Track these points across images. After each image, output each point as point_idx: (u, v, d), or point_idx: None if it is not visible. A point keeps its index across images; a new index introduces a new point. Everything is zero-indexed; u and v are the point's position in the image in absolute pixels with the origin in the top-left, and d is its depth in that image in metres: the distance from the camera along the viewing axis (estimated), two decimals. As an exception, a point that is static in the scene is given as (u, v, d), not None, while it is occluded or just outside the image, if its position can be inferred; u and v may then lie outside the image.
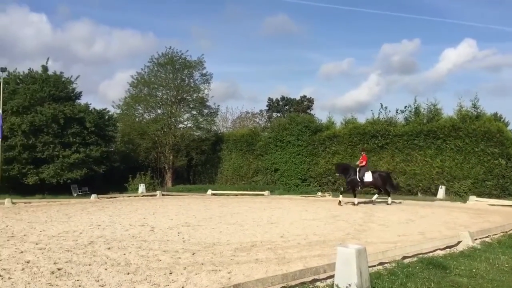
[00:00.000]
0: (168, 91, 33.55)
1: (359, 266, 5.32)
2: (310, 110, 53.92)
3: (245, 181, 31.78)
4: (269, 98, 56.39)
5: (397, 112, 28.12)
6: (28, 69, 28.58)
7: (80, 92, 29.73)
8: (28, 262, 7.85)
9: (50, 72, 28.52)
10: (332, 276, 6.60)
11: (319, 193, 26.30)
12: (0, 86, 24.98)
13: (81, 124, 26.90)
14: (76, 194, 26.41)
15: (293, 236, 11.11)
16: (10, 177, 25.11)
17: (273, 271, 7.36)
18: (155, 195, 25.94)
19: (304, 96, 56.62)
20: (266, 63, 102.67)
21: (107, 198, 24.21)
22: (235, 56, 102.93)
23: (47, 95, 26.78)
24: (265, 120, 51.92)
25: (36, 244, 9.74)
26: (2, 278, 6.72)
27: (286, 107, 54.97)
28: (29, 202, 21.08)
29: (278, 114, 53.00)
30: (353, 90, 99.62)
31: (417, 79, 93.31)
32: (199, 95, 34.09)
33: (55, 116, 25.72)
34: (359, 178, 19.99)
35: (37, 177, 25.41)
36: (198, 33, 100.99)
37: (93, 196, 23.55)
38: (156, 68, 33.58)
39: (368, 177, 20.05)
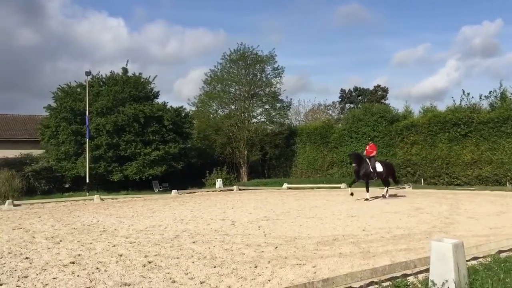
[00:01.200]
0: (240, 86, 33.96)
1: (456, 261, 5.04)
2: (385, 100, 52.36)
3: (320, 174, 31.51)
4: (341, 89, 55.50)
5: (480, 98, 26.52)
6: (110, 72, 30.11)
7: (158, 92, 30.88)
8: (120, 255, 8.26)
9: (129, 74, 29.86)
10: (423, 271, 6.35)
11: (398, 185, 25.47)
12: (86, 89, 26.55)
13: (160, 122, 27.90)
14: (157, 190, 27.50)
15: (375, 230, 10.83)
16: (97, 174, 26.64)
17: (358, 265, 7.20)
18: (232, 190, 26.40)
19: (378, 86, 55.10)
20: (337, 54, 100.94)
21: (187, 193, 25.00)
22: (305, 48, 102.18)
23: (128, 96, 28.02)
24: (338, 111, 51.21)
25: (126, 238, 10.23)
26: (99, 271, 7.11)
27: (360, 97, 53.75)
28: (116, 198, 22.29)
29: (352, 105, 51.98)
30: (430, 77, 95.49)
31: (500, 62, 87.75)
32: (271, 89, 34.22)
33: (136, 116, 26.86)
34: (372, 169, 18.86)
35: (121, 174, 26.70)
36: (268, 27, 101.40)
37: (173, 191, 24.40)
38: (228, 65, 34.10)
39: (379, 167, 19.10)
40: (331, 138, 31.53)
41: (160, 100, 30.73)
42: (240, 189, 26.75)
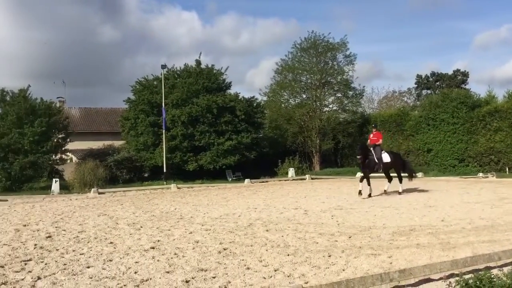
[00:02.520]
0: (312, 75, 33.67)
1: (546, 255, 4.71)
2: (465, 85, 49.76)
3: (395, 163, 30.56)
4: (417, 75, 53.33)
5: None
6: (184, 64, 31.04)
7: (230, 83, 31.34)
8: (197, 242, 8.53)
9: (202, 66, 30.56)
10: (508, 264, 6.03)
11: (481, 174, 24.15)
12: (162, 82, 27.55)
13: (232, 112, 28.33)
14: (231, 179, 28.03)
15: (455, 220, 10.35)
16: (174, 164, 27.62)
17: (437, 256, 6.93)
18: (304, 179, 26.35)
19: (457, 70, 52.40)
20: (412, 38, 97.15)
21: (259, 182, 25.28)
22: (378, 34, 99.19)
23: (201, 87, 28.70)
24: (414, 98, 49.36)
25: (202, 225, 10.55)
26: (177, 256, 7.40)
27: (437, 83, 51.42)
28: (191, 187, 23.02)
29: (428, 91, 49.85)
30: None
31: None
32: (343, 77, 33.66)
33: (209, 107, 27.48)
34: (377, 159, 16.17)
35: (196, 163, 27.48)
36: (340, 14, 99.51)
37: (246, 180, 24.78)
38: (299, 54, 33.93)
39: (386, 157, 16.45)
40: (406, 125, 30.45)
41: (232, 90, 31.20)
42: (312, 178, 26.63)
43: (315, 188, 20.48)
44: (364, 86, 38.80)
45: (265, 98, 34.43)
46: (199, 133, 27.53)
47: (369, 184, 16.05)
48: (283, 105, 34.65)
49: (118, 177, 27.26)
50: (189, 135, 27.49)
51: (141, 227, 10.54)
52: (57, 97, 39.01)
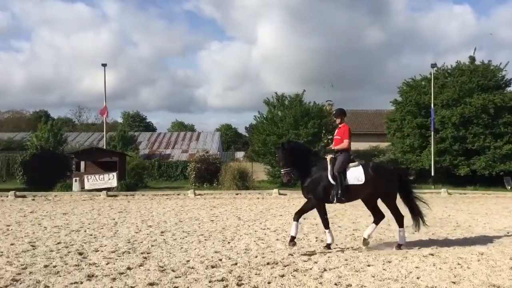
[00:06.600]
0: None
1: None
2: None
3: None
4: None
5: None
6: (456, 62, 29.12)
7: (510, 79, 27.97)
8: (481, 254, 7.73)
9: (477, 62, 28.14)
10: None
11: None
12: (431, 82, 26.44)
13: (513, 113, 25.25)
14: (510, 187, 24.94)
15: None
16: (442, 168, 26.20)
17: None
18: None
19: None
20: None
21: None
22: None
23: (476, 86, 26.50)
24: None
25: (485, 236, 9.59)
26: (461, 267, 6.84)
27: None
28: (464, 193, 21.43)
29: None
30: None
31: None
32: None
33: (484, 106, 25.21)
34: (332, 179, 7.97)
35: (468, 168, 25.49)
36: None
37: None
38: None
39: (356, 174, 8.07)
40: None
41: (512, 88, 27.82)
42: None
43: None
44: None
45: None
46: (472, 136, 25.48)
47: (325, 219, 8.44)
48: None
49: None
50: (461, 138, 25.70)
51: (413, 232, 10.20)
52: (326, 101, 41.47)
